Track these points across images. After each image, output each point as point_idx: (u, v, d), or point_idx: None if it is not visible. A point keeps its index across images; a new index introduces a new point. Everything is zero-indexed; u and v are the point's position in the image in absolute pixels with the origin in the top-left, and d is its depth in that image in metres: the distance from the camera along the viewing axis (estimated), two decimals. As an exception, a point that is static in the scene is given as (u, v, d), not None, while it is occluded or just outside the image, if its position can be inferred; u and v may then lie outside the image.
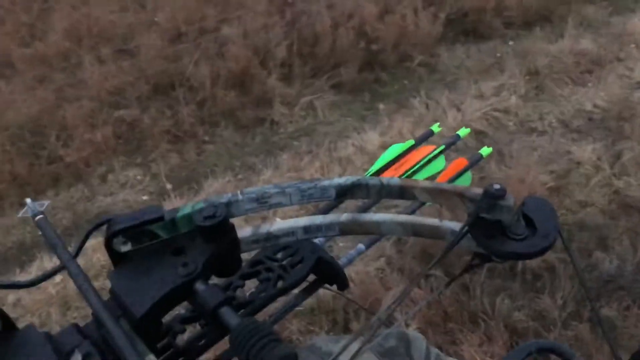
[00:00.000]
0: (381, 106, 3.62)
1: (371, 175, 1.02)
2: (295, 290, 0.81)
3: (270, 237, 0.63)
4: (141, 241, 0.60)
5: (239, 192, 0.61)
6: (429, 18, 4.02)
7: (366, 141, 3.23)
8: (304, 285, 0.81)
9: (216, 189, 2.93)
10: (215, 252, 0.59)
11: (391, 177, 0.63)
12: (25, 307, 2.29)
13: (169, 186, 3.04)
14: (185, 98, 3.46)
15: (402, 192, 0.61)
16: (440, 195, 0.59)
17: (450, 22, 4.23)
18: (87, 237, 0.62)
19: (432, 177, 1.11)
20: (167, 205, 2.84)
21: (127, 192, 3.01)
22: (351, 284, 2.35)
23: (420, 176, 1.08)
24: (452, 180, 1.09)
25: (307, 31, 3.84)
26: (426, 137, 1.18)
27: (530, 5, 4.37)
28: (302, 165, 3.11)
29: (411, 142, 1.14)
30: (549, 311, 2.19)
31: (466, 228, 0.58)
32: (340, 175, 0.98)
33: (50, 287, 2.31)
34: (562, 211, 2.67)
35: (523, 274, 2.35)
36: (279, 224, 0.64)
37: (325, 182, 0.61)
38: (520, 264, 2.36)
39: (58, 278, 2.29)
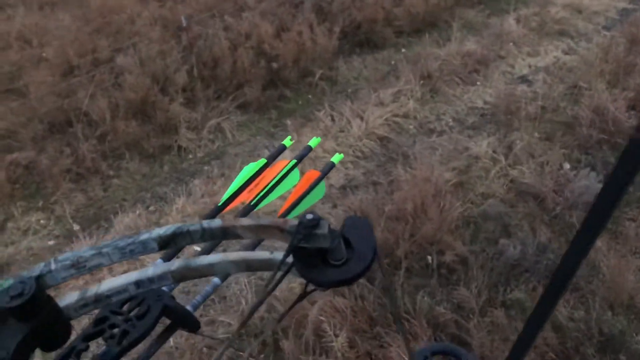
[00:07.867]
0: (288, 122, 3.67)
1: (228, 198, 1.01)
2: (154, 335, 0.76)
3: (100, 298, 0.61)
4: None
5: (52, 260, 0.59)
6: (324, 33, 4.14)
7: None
8: (160, 330, 0.77)
9: (127, 225, 2.82)
10: (31, 329, 0.56)
11: (212, 219, 0.63)
12: None
13: (76, 227, 2.89)
14: (84, 133, 3.32)
15: (224, 233, 0.61)
16: (261, 231, 0.60)
17: (345, 35, 4.38)
18: None
19: (288, 192, 1.11)
20: (76, 247, 2.71)
21: (31, 238, 2.83)
22: (277, 303, 2.36)
23: (277, 193, 1.07)
24: (308, 192, 1.09)
25: (205, 54, 3.82)
26: (279, 153, 1.16)
27: (417, 14, 4.63)
28: (216, 189, 3.07)
29: (263, 160, 1.12)
30: (466, 301, 2.31)
31: (289, 260, 0.57)
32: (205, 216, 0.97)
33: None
34: (468, 205, 2.83)
35: (439, 269, 2.46)
36: (108, 282, 0.62)
37: (145, 235, 0.60)
38: (434, 260, 2.47)
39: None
